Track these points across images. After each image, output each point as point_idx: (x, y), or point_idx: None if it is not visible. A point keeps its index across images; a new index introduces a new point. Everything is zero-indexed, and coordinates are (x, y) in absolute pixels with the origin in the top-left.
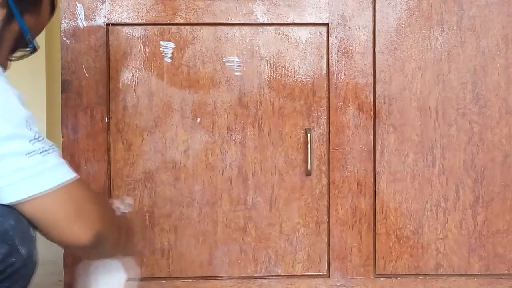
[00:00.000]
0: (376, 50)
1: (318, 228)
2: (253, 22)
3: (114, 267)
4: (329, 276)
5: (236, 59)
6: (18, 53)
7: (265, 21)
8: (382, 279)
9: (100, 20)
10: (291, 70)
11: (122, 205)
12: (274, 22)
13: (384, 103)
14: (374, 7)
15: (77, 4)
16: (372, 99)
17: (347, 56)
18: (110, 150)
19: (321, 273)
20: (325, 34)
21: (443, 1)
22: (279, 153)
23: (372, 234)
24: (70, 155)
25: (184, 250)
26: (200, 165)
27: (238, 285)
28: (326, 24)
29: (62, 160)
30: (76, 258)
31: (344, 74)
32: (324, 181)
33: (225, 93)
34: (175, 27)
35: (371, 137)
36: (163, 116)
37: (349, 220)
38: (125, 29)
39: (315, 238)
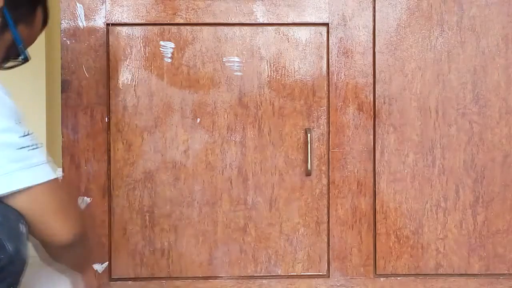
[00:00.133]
0: (376, 50)
1: (318, 228)
2: (253, 22)
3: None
4: (329, 276)
5: (236, 59)
6: (9, 63)
7: (265, 21)
8: (382, 279)
9: (100, 20)
10: (291, 70)
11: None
12: (274, 22)
13: (384, 103)
14: (374, 7)
15: (77, 4)
16: (372, 99)
17: (347, 56)
18: (110, 150)
19: (321, 273)
20: (325, 34)
21: (443, 1)
22: (279, 153)
23: (372, 234)
24: (70, 155)
25: (184, 250)
26: (200, 165)
27: (238, 285)
28: (326, 24)
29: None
30: None
31: (344, 74)
32: (324, 181)
33: (225, 93)
34: (175, 27)
35: (371, 137)
36: (163, 116)
37: (349, 220)
38: (125, 29)
39: (315, 238)
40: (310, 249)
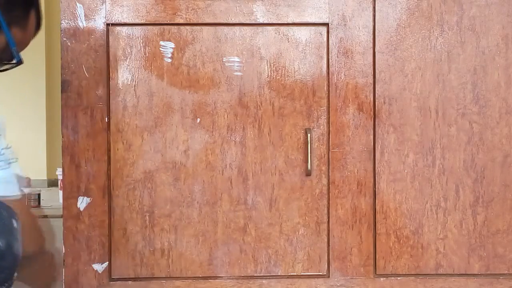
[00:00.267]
0: (376, 50)
1: (318, 228)
2: (253, 22)
3: None
4: (329, 276)
5: (236, 59)
6: (3, 66)
7: (265, 21)
8: (382, 279)
9: (100, 20)
10: (291, 70)
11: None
12: (274, 22)
13: (384, 103)
14: (374, 7)
15: (77, 4)
16: (372, 99)
17: (347, 56)
18: (110, 150)
19: (321, 273)
20: (325, 34)
21: (443, 1)
22: (279, 153)
23: (372, 234)
24: (70, 155)
25: (184, 250)
26: (200, 165)
27: (238, 285)
28: (326, 24)
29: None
30: (76, 258)
31: (344, 74)
32: (324, 181)
33: (225, 93)
34: (175, 27)
35: (371, 137)
36: (163, 116)
37: (349, 220)
38: (125, 29)
39: (315, 238)
40: (310, 249)
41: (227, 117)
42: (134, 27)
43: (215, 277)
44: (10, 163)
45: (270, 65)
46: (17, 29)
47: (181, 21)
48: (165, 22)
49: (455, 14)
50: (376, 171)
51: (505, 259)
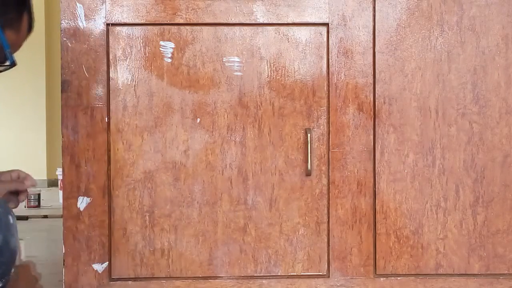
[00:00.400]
0: (376, 50)
1: (318, 228)
2: (253, 22)
3: None
4: (329, 276)
5: (236, 59)
6: None
7: (265, 21)
8: (382, 279)
9: (100, 20)
10: (291, 70)
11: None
12: (274, 22)
13: (384, 103)
14: (374, 7)
15: (77, 4)
16: (372, 99)
17: (347, 56)
18: (110, 150)
19: (321, 273)
20: (325, 34)
21: (443, 1)
22: (279, 153)
23: (372, 234)
24: (70, 155)
25: (184, 250)
26: (200, 165)
27: (238, 285)
28: (326, 24)
29: None
30: (76, 258)
31: (344, 74)
32: (324, 181)
33: (225, 93)
34: (175, 27)
35: (371, 137)
36: (163, 116)
37: (349, 220)
38: (125, 29)
39: (315, 238)
40: (310, 249)
41: (227, 117)
42: (134, 27)
43: (215, 277)
44: None
45: (270, 65)
46: (11, 32)
47: (181, 21)
48: (165, 22)
49: (455, 14)
50: (376, 171)
51: (505, 259)
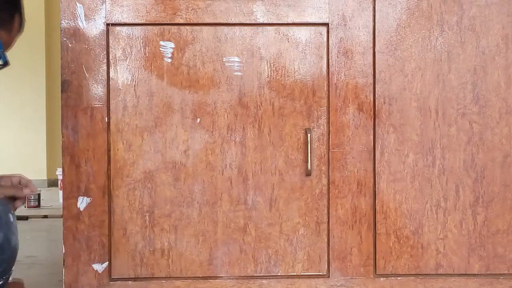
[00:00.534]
0: (376, 50)
1: (318, 228)
2: (253, 22)
3: None
4: (329, 276)
5: (236, 59)
6: None
7: (265, 21)
8: (382, 279)
9: (100, 20)
10: (291, 70)
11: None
12: (274, 22)
13: (384, 103)
14: (374, 7)
15: (77, 4)
16: (372, 99)
17: (347, 56)
18: (110, 150)
19: (321, 273)
20: (325, 34)
21: (443, 1)
22: (279, 153)
23: (372, 234)
24: (70, 155)
25: (184, 250)
26: (200, 165)
27: (238, 285)
28: (326, 24)
29: None
30: (76, 258)
31: (344, 74)
32: (324, 181)
33: (225, 93)
34: (175, 27)
35: (371, 137)
36: (163, 116)
37: (349, 220)
38: (125, 29)
39: (315, 238)
40: (310, 249)
41: (227, 117)
42: (134, 27)
43: (215, 277)
44: None
45: (270, 65)
46: (3, 32)
47: (181, 21)
48: (165, 22)
49: (455, 14)
50: (376, 171)
51: (505, 259)
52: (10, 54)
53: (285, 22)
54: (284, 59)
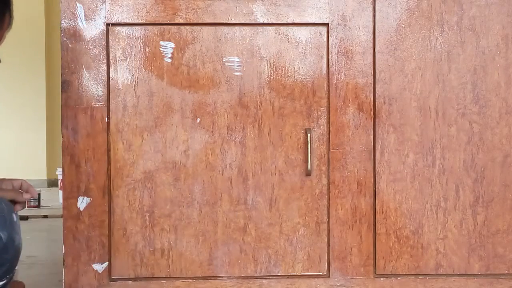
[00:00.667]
0: (376, 50)
1: (318, 228)
2: (253, 22)
3: None
4: (329, 276)
5: (236, 59)
6: None
7: (265, 21)
8: (382, 279)
9: (100, 20)
10: (291, 70)
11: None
12: (274, 22)
13: (384, 103)
14: (374, 7)
15: (77, 4)
16: (372, 99)
17: (347, 56)
18: (110, 150)
19: (321, 273)
20: (325, 34)
21: (443, 1)
22: (279, 153)
23: (372, 234)
24: (70, 155)
25: (184, 250)
26: (200, 165)
27: (238, 285)
28: (326, 24)
29: None
30: (76, 258)
31: (344, 74)
32: (324, 181)
33: (225, 93)
34: (175, 27)
35: (371, 137)
36: (163, 116)
37: (349, 220)
38: (125, 29)
39: (315, 238)
40: (310, 249)
41: (227, 117)
42: (134, 27)
43: (215, 277)
44: None
45: (270, 65)
46: None
47: (181, 21)
48: (165, 22)
49: (455, 14)
50: (376, 171)
51: (505, 259)
52: (10, 55)
53: (285, 22)
54: (284, 59)
